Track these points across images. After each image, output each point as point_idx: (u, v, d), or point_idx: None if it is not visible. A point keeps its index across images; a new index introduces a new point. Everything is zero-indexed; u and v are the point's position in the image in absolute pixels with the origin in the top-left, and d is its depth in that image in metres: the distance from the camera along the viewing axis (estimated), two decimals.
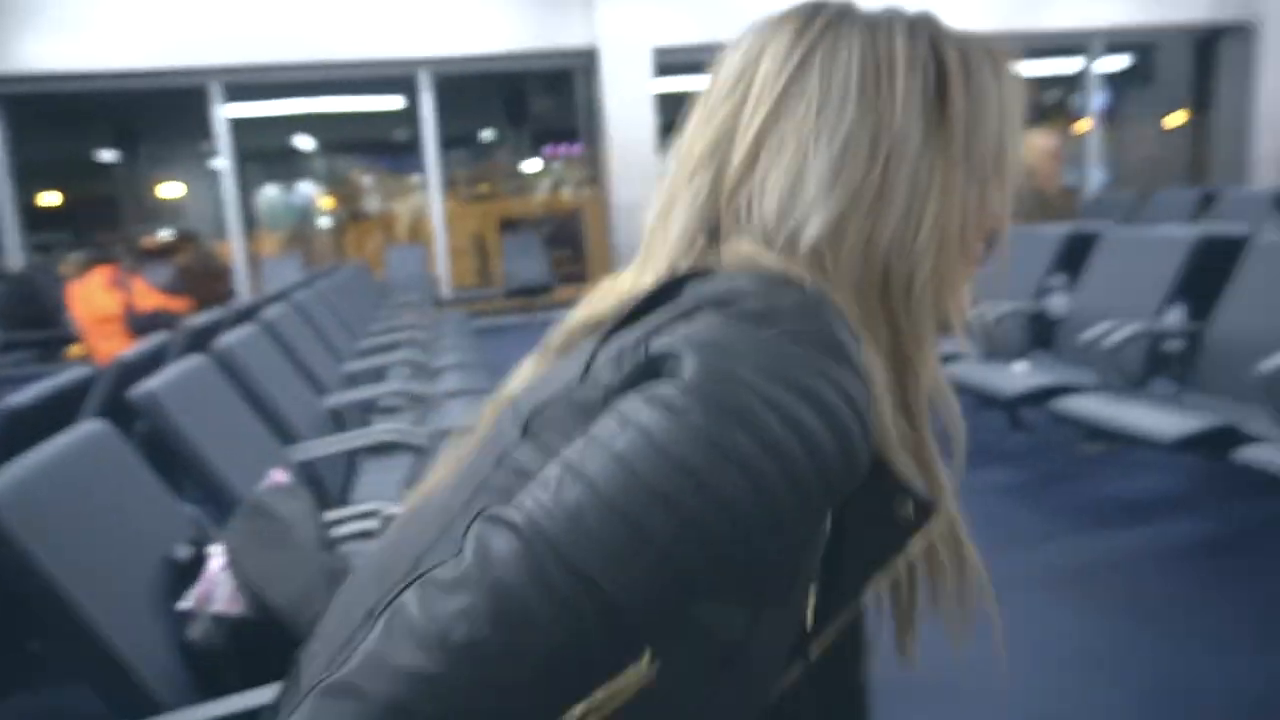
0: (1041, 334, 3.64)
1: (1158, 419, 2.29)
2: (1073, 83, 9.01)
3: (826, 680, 0.68)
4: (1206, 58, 8.73)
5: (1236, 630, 2.06)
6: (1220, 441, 2.16)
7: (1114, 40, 8.59)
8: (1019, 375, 2.98)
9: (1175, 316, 2.86)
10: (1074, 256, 3.45)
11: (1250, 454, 2.09)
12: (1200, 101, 9.01)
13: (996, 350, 3.24)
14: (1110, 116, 9.33)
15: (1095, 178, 9.20)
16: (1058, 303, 3.77)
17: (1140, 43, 9.01)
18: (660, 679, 0.49)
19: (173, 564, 1.21)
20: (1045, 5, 8.18)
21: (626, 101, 7.56)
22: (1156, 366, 2.78)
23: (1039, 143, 13.79)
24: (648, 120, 7.57)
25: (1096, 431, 2.54)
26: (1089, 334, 2.65)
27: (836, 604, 0.62)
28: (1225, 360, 2.48)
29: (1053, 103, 10.51)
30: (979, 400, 3.21)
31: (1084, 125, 9.06)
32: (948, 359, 3.43)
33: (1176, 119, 9.62)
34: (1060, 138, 12.24)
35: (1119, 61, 9.23)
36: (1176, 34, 8.63)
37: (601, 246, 8.18)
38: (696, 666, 0.53)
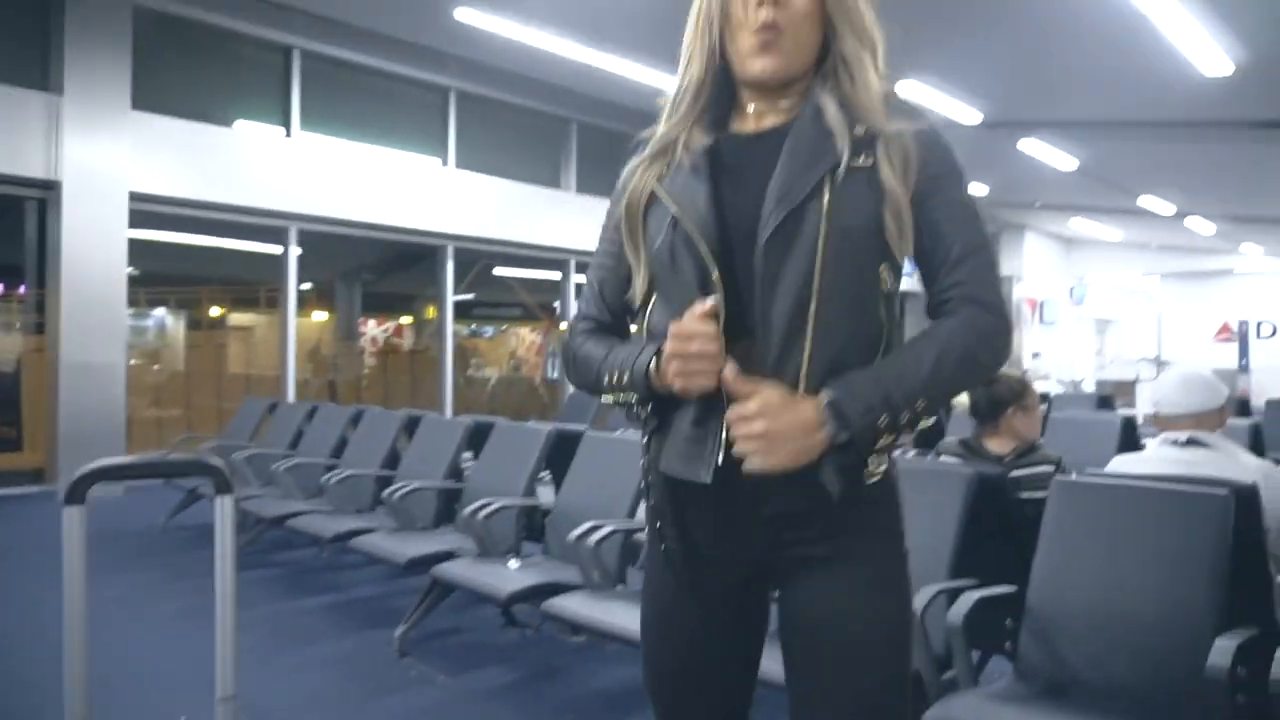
0: (534, 528, 3.81)
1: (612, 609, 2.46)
2: (558, 288, 10.19)
3: None
4: None
5: None
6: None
7: (581, 262, 9.97)
8: (511, 574, 3.02)
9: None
10: (558, 453, 3.72)
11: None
12: None
13: (491, 547, 3.27)
14: None
15: None
16: (546, 495, 4.00)
17: None
18: None
19: None
20: (531, 224, 9.25)
21: (90, 244, 6.56)
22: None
23: (528, 338, 15.27)
24: (117, 268, 6.64)
25: (579, 626, 2.65)
26: (572, 534, 2.80)
27: None
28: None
29: (541, 304, 11.80)
30: (475, 597, 3.19)
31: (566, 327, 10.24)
32: (446, 556, 3.36)
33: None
34: (545, 334, 13.69)
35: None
36: None
37: (41, 409, 6.75)
38: None
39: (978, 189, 12.49)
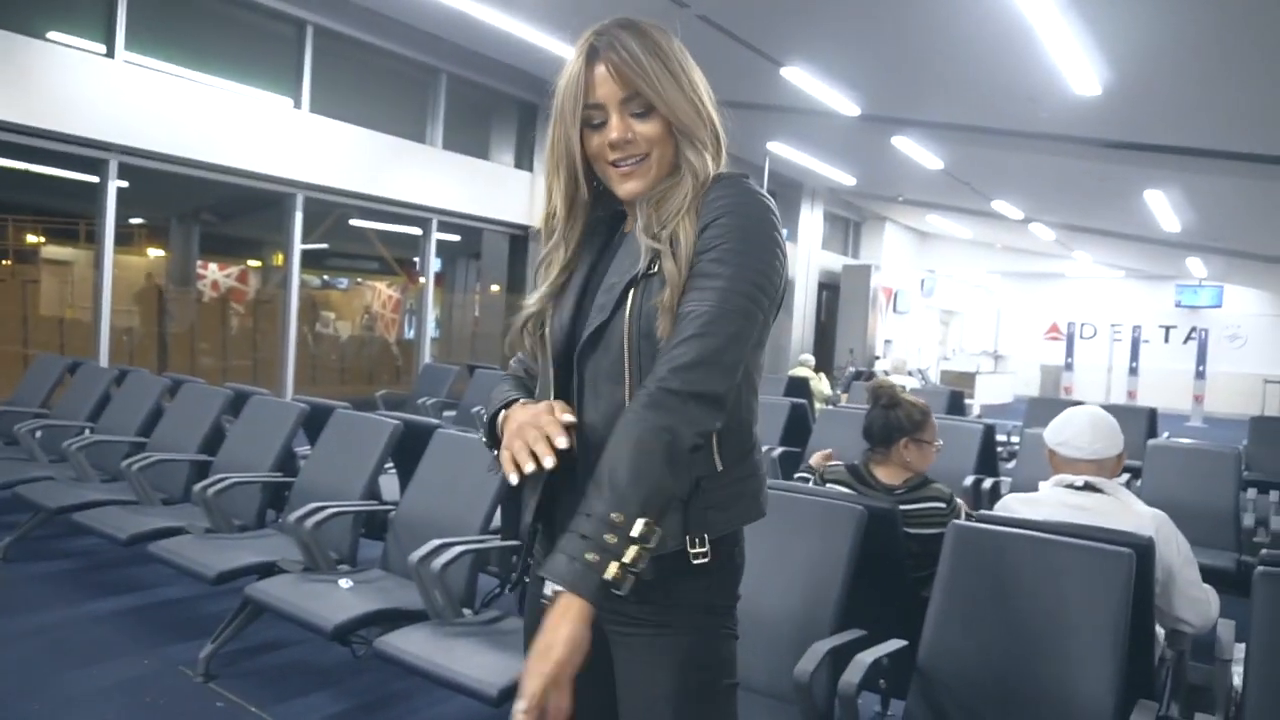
0: (374, 525, 3.41)
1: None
2: (418, 243, 9.61)
3: None
4: (520, 249, 10.18)
5: None
6: None
7: (444, 221, 9.42)
8: (342, 596, 2.63)
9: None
10: (406, 446, 3.33)
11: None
12: (514, 283, 10.41)
13: (321, 559, 2.86)
14: (440, 280, 10.23)
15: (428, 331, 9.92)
16: (390, 488, 3.60)
17: (470, 227, 10.09)
18: None
19: None
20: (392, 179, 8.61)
21: None
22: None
23: (385, 293, 14.46)
24: None
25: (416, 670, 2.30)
26: (415, 555, 2.45)
27: None
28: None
29: (400, 259, 11.13)
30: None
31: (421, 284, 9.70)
32: (266, 569, 2.92)
33: (496, 292, 10.97)
34: (404, 291, 13.00)
35: (451, 236, 10.23)
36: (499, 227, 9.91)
37: None
38: None
39: (844, 179, 12.69)
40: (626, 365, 1.12)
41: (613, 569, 0.99)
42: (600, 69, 1.14)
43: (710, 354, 1.05)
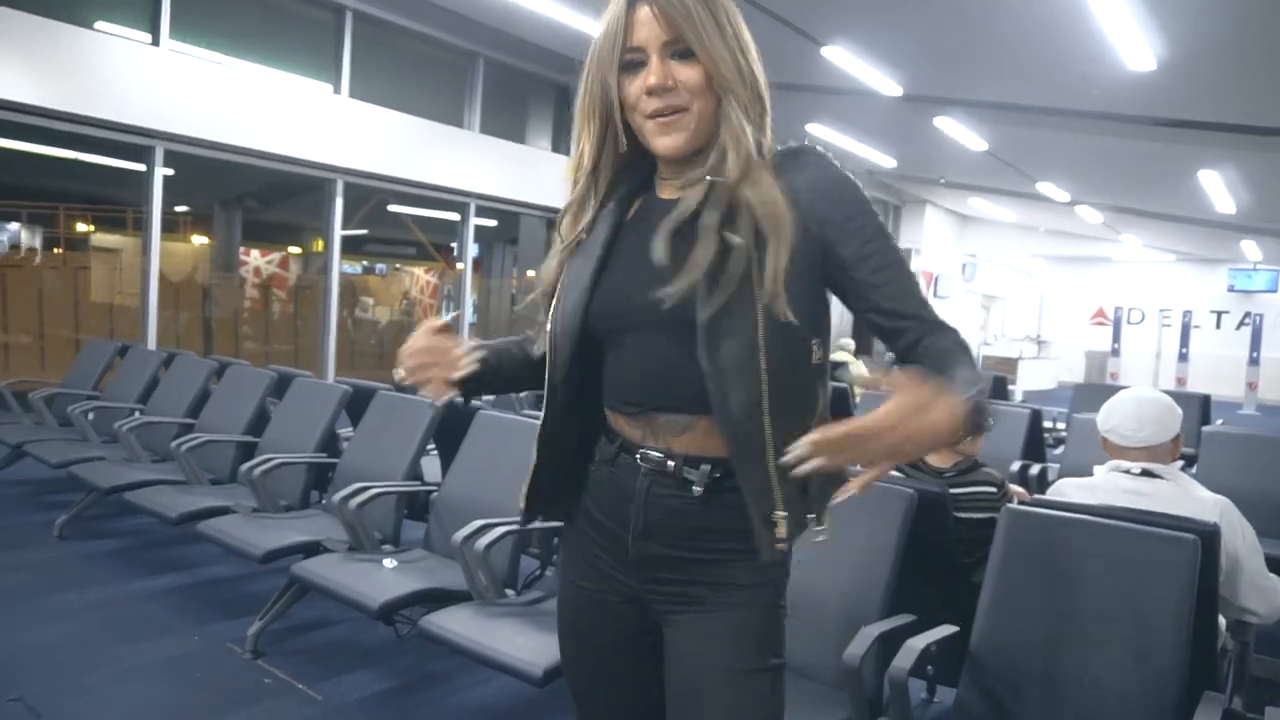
0: (416, 507, 3.43)
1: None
2: (455, 229, 9.65)
3: None
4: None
5: None
6: None
7: (482, 206, 9.44)
8: (386, 576, 2.65)
9: None
10: (448, 427, 3.33)
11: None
12: None
13: (365, 539, 2.88)
14: (478, 265, 10.28)
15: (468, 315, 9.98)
16: (431, 469, 3.62)
17: (507, 211, 10.10)
18: None
19: None
20: (430, 163, 8.64)
21: None
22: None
23: (423, 278, 14.57)
24: None
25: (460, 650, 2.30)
26: (458, 535, 2.45)
27: None
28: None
29: (438, 244, 11.19)
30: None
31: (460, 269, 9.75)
32: (312, 549, 2.96)
33: (533, 276, 10.99)
34: (441, 276, 13.08)
35: (488, 221, 10.25)
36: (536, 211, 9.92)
37: None
38: None
39: (885, 161, 12.49)
40: (762, 353, 1.05)
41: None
42: (643, 10, 1.08)
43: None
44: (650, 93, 1.08)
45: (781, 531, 1.07)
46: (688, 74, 1.08)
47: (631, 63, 1.09)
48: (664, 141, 1.10)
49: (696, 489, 1.11)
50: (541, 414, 1.21)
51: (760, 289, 1.04)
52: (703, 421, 1.10)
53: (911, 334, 1.09)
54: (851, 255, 1.08)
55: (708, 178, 1.08)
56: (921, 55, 7.51)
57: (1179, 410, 2.19)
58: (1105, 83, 6.89)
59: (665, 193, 1.16)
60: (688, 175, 1.12)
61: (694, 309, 1.05)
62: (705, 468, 1.11)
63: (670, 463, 1.12)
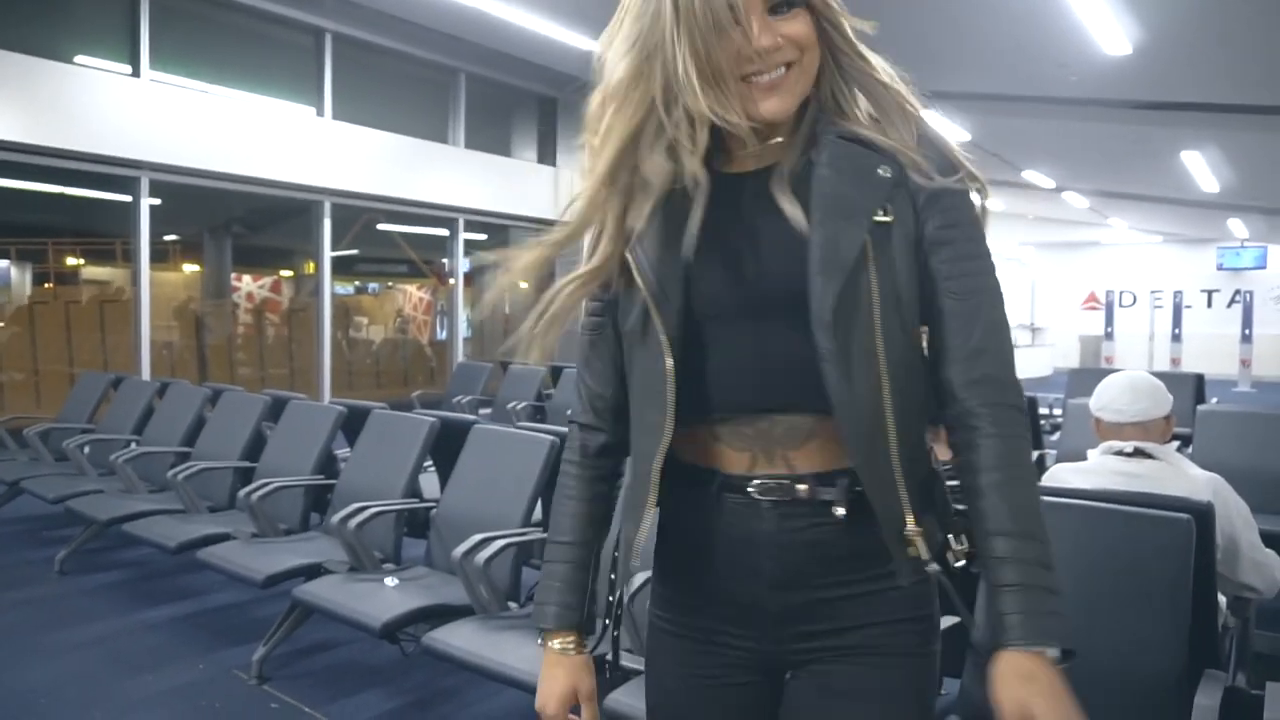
0: (415, 524, 3.43)
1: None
2: (445, 245, 9.66)
3: None
4: None
5: None
6: None
7: (471, 220, 9.46)
8: (388, 594, 2.65)
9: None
10: (444, 443, 3.33)
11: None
12: (542, 278, 10.40)
13: (365, 558, 2.88)
14: (470, 280, 10.30)
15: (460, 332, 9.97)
16: (430, 486, 3.61)
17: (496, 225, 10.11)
18: None
19: None
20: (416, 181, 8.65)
21: None
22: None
23: (416, 295, 14.58)
24: None
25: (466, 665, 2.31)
26: (458, 550, 2.45)
27: None
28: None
29: (429, 260, 11.19)
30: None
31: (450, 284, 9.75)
32: (313, 571, 2.96)
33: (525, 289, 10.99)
34: (434, 292, 13.09)
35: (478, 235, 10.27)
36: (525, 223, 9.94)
37: None
38: None
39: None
40: (880, 333, 0.92)
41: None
42: None
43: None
44: (759, 55, 0.90)
45: (920, 550, 0.93)
46: (794, 28, 0.91)
47: (719, 21, 0.88)
48: (769, 105, 0.92)
49: (839, 510, 0.93)
50: (642, 434, 0.99)
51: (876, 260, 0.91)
52: (825, 424, 0.92)
53: (968, 404, 0.95)
54: (931, 232, 0.94)
55: (828, 132, 0.94)
56: (897, 50, 7.52)
57: (1169, 393, 2.20)
58: (1082, 69, 6.93)
59: (742, 165, 0.98)
60: (770, 141, 0.96)
61: (808, 287, 0.90)
62: (844, 482, 0.93)
63: (800, 486, 0.94)
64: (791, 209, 0.92)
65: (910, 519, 0.93)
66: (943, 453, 2.46)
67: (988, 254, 0.98)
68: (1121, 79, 7.16)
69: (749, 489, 0.95)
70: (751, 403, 0.95)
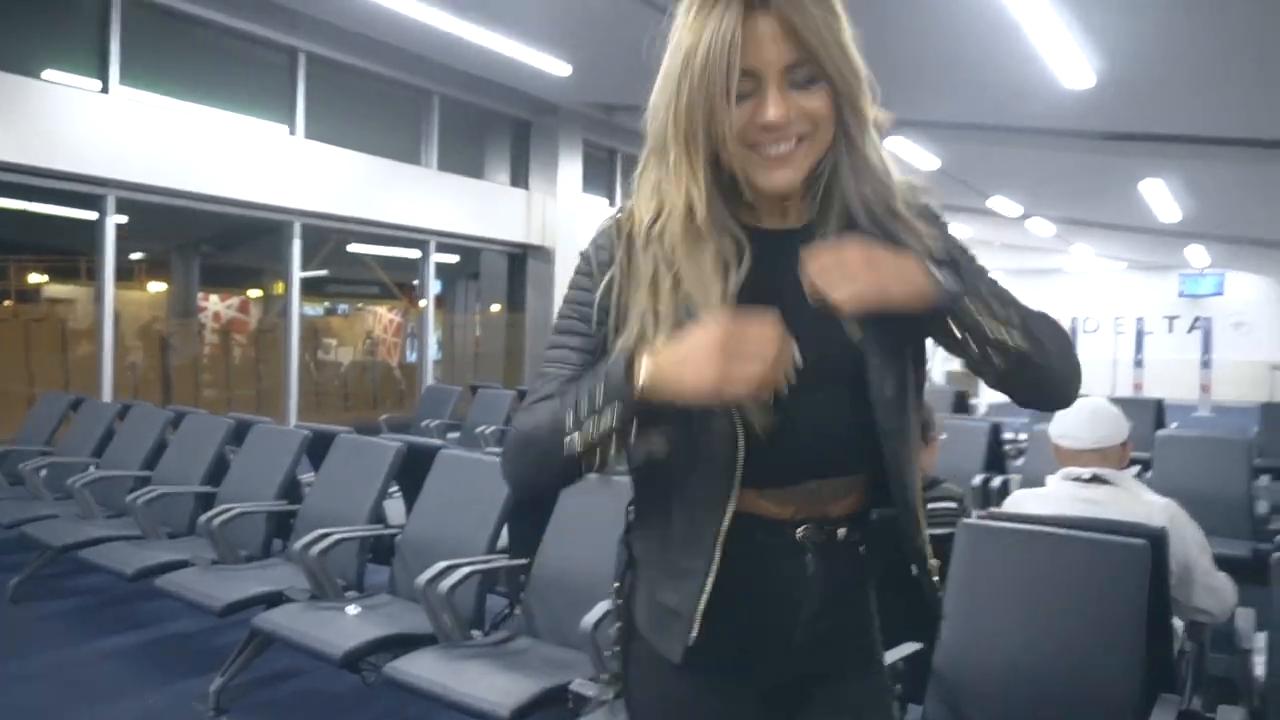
0: (380, 550, 3.38)
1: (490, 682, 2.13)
2: (416, 266, 9.63)
3: None
4: (519, 268, 10.20)
5: None
6: None
7: (443, 243, 9.44)
8: (349, 622, 2.61)
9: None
10: (410, 468, 3.30)
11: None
12: (513, 302, 10.41)
13: (328, 586, 2.84)
14: (440, 302, 10.27)
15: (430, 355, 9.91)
16: (395, 512, 3.57)
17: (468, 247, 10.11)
18: None
19: None
20: (388, 202, 8.63)
21: None
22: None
23: (386, 317, 14.49)
24: None
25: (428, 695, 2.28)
26: (422, 578, 2.43)
27: None
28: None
29: (400, 282, 11.14)
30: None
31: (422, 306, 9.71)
32: (273, 599, 2.91)
33: (497, 311, 11.01)
34: (404, 314, 13.01)
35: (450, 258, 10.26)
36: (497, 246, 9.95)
37: None
38: None
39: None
40: (912, 401, 0.98)
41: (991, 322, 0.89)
42: (765, 24, 0.86)
43: None
44: (766, 129, 0.89)
45: (935, 574, 1.06)
46: (813, 104, 0.90)
47: (738, 89, 0.87)
48: (777, 177, 0.91)
49: (863, 548, 1.01)
50: (688, 502, 0.96)
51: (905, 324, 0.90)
52: (861, 479, 1.00)
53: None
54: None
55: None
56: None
57: (1126, 420, 2.25)
58: (1045, 101, 7.10)
59: (768, 220, 0.97)
60: (784, 204, 0.97)
61: (865, 363, 0.93)
62: (868, 524, 1.01)
63: (840, 530, 0.99)
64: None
65: (929, 553, 1.05)
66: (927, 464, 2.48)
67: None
68: (1084, 110, 7.34)
69: (794, 533, 0.97)
70: (806, 473, 0.96)
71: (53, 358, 9.22)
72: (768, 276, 0.93)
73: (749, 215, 0.96)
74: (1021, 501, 2.24)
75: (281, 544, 3.59)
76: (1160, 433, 4.51)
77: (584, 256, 0.99)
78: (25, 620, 3.69)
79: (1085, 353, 14.21)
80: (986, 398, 15.67)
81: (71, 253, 9.84)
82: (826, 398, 0.94)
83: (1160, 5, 5.41)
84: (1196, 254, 16.50)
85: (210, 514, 3.27)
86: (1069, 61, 6.18)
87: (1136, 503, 2.10)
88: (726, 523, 0.93)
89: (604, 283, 0.96)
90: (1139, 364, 17.73)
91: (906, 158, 10.16)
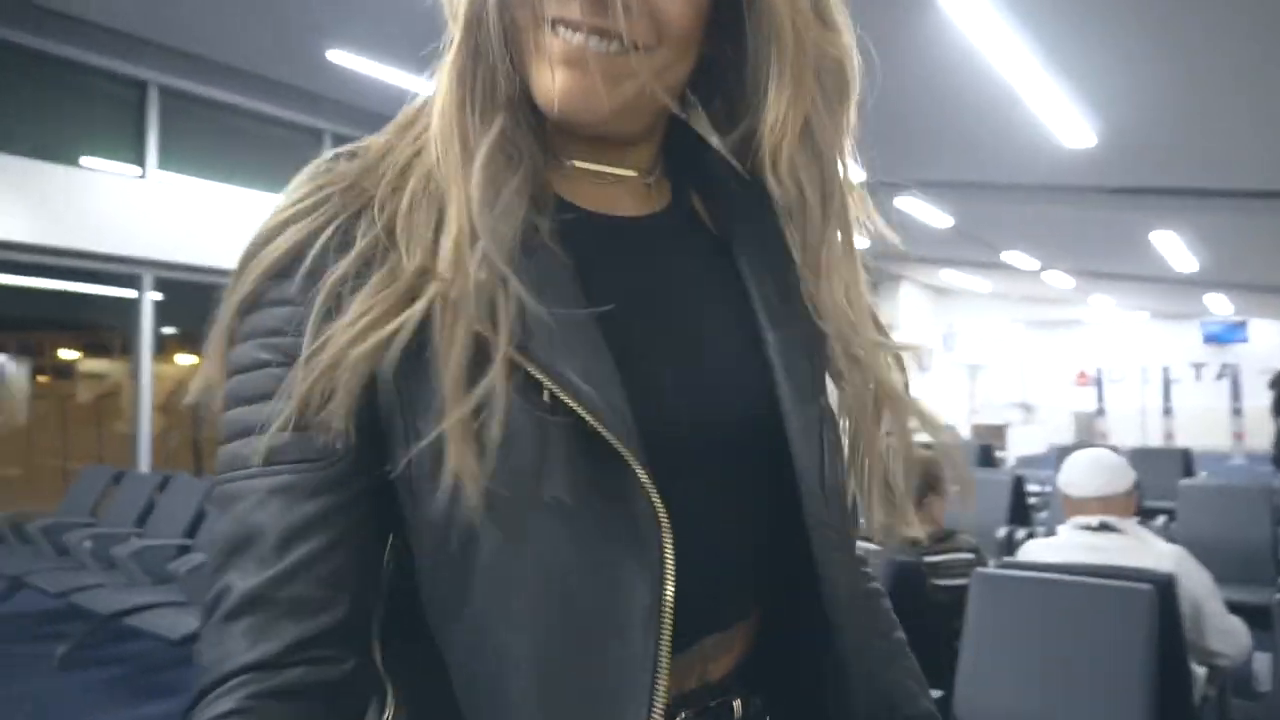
0: None
1: None
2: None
3: None
4: None
5: None
6: None
7: None
8: None
9: None
10: None
11: None
12: None
13: None
14: None
15: None
16: None
17: None
18: None
19: None
20: None
21: None
22: None
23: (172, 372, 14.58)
24: None
25: None
26: None
27: None
28: None
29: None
30: None
31: None
32: None
33: None
34: None
35: None
36: None
37: None
38: None
39: (860, 243, 12.88)
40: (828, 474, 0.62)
41: None
42: None
43: None
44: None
45: None
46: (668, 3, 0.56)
47: None
48: (567, 89, 0.56)
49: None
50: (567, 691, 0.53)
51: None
52: (746, 623, 0.63)
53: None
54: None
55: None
56: (870, 142, 7.90)
57: (1132, 471, 2.33)
58: (1049, 160, 7.27)
59: (591, 199, 0.63)
60: (621, 164, 0.64)
61: (781, 414, 0.59)
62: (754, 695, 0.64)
63: (735, 703, 0.62)
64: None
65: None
66: (921, 527, 2.57)
67: None
68: (1089, 167, 7.50)
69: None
70: (737, 611, 0.61)
71: (86, 430, 9.47)
72: (611, 280, 0.59)
73: (563, 184, 0.63)
74: (1033, 551, 2.32)
75: None
76: (1183, 482, 4.54)
77: None
78: (73, 688, 3.79)
79: (1113, 403, 14.12)
80: (1016, 450, 15.61)
81: (103, 328, 10.16)
82: (740, 474, 0.60)
83: (1152, 60, 5.57)
84: (1218, 302, 16.48)
85: None
86: (1069, 124, 6.36)
87: (1145, 550, 2.17)
88: (662, 696, 0.51)
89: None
90: (1168, 412, 17.57)
91: (920, 217, 10.38)
